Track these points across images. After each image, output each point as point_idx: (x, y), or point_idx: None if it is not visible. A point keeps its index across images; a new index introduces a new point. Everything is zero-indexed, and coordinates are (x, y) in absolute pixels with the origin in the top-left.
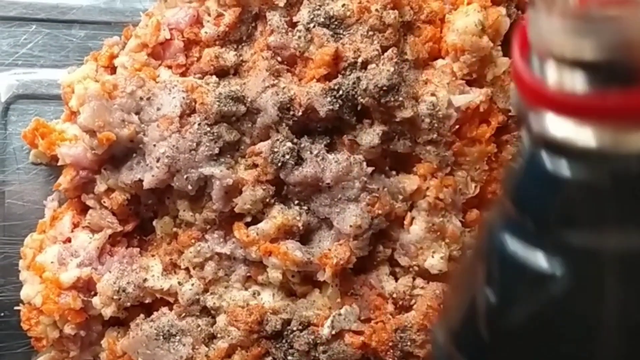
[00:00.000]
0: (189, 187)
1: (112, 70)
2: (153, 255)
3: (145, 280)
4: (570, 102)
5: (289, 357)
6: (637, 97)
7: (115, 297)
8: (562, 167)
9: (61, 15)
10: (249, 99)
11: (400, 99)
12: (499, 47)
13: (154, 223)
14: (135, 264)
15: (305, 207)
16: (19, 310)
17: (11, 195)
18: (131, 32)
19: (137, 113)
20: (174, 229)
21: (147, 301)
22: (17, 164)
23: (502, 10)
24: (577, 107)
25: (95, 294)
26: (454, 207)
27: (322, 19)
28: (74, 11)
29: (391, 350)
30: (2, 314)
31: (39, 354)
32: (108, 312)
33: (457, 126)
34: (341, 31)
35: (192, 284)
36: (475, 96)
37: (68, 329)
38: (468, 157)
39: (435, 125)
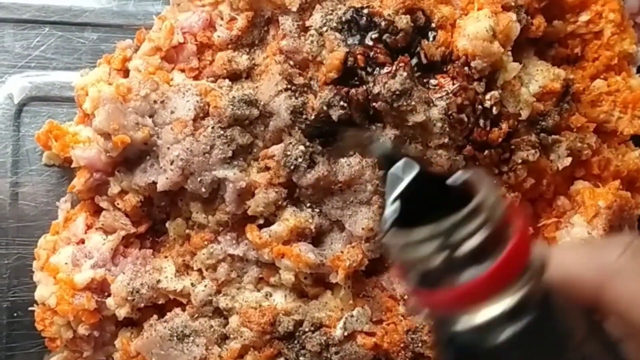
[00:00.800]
0: (203, 189)
1: (125, 73)
2: (166, 257)
3: (158, 281)
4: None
5: (301, 358)
6: (439, 295)
7: (129, 298)
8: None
9: (74, 18)
10: (262, 103)
11: (413, 103)
12: (509, 52)
13: (167, 225)
14: (149, 265)
15: (318, 210)
16: (32, 311)
17: (24, 196)
18: (144, 35)
19: (150, 116)
20: (187, 231)
21: (160, 302)
22: (30, 165)
23: (513, 15)
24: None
25: (109, 295)
26: None
27: (335, 24)
28: (87, 14)
29: (403, 352)
30: (16, 314)
31: (52, 354)
32: (122, 312)
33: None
34: (353, 35)
35: (205, 285)
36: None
37: (82, 330)
38: (479, 161)
39: (447, 129)
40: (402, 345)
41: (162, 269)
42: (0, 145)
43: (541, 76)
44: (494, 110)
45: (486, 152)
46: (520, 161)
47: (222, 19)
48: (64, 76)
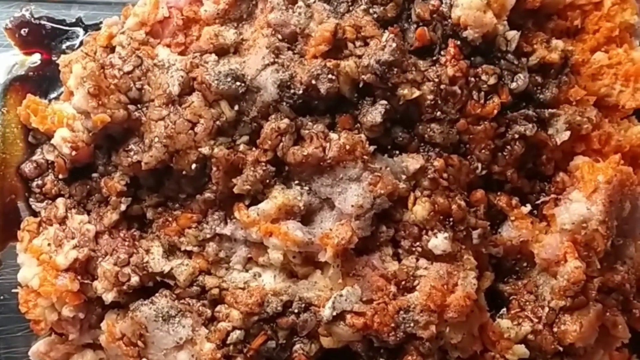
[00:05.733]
0: (188, 167)
1: (112, 50)
2: (153, 239)
3: (146, 263)
4: None
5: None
6: None
7: (116, 282)
8: None
9: None
10: (249, 77)
11: (403, 75)
12: (505, 22)
13: (143, 206)
14: (136, 248)
15: (307, 187)
16: (18, 293)
17: None
18: (130, 12)
19: (134, 93)
20: (175, 212)
21: (149, 285)
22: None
23: None
24: None
25: (93, 276)
26: (459, 186)
27: None
28: None
29: (393, 332)
30: (1, 297)
31: (38, 338)
32: (109, 297)
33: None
34: (342, 7)
35: (192, 266)
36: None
37: (66, 311)
38: (473, 135)
39: (439, 102)
40: (392, 325)
41: (149, 250)
42: None
43: (539, 47)
44: (490, 82)
45: (481, 125)
46: (517, 136)
47: None
48: None
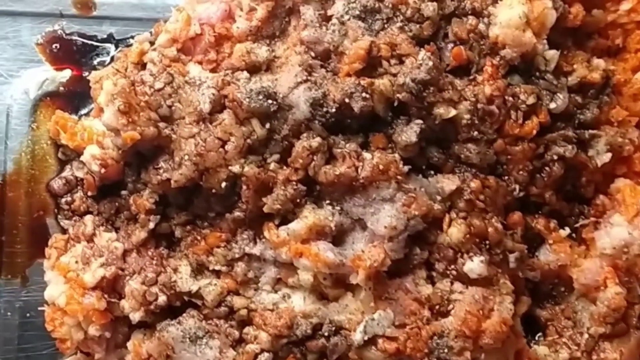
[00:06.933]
0: (218, 186)
1: (143, 67)
2: (181, 257)
3: (174, 282)
4: None
5: None
6: None
7: (143, 302)
8: None
9: (92, 11)
10: (281, 95)
11: (439, 94)
12: (545, 41)
13: (172, 224)
14: (164, 266)
15: (338, 207)
16: (44, 311)
17: None
18: (162, 28)
19: (165, 110)
20: (204, 231)
21: (176, 304)
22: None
23: (548, 2)
24: None
25: (120, 295)
26: (495, 208)
27: (358, 12)
28: (105, 7)
29: (427, 358)
30: (28, 315)
31: (64, 357)
32: (136, 317)
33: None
34: (377, 24)
35: (220, 286)
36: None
37: (93, 330)
38: (511, 156)
39: (476, 121)
40: (426, 351)
41: (177, 269)
42: (15, 141)
43: (580, 67)
44: (529, 102)
45: (519, 146)
46: (556, 157)
47: (241, 9)
48: None
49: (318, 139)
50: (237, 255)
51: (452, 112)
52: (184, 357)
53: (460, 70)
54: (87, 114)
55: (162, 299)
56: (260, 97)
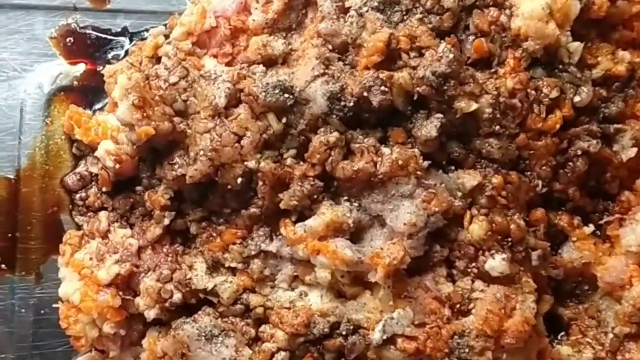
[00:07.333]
0: (234, 181)
1: (157, 61)
2: (196, 254)
3: (189, 280)
4: None
5: None
6: None
7: (158, 299)
8: None
9: (106, 4)
10: (298, 89)
11: (460, 88)
12: (568, 32)
13: (187, 221)
14: (179, 263)
15: (356, 204)
16: (58, 308)
17: None
18: (176, 21)
19: (180, 105)
20: (219, 228)
21: (191, 302)
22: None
23: None
24: None
25: (135, 292)
26: (518, 204)
27: (376, 3)
28: (119, 0)
29: (447, 358)
30: (42, 312)
31: (78, 354)
32: (151, 314)
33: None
34: (396, 16)
35: (236, 283)
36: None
37: (107, 328)
38: (534, 151)
39: (498, 115)
40: (446, 350)
41: (193, 266)
42: (29, 136)
43: (604, 59)
44: (552, 95)
45: (542, 141)
46: (579, 152)
47: (257, 1)
48: None
49: (335, 134)
50: (253, 252)
51: (474, 106)
52: (200, 355)
53: (482, 63)
54: (101, 109)
55: (177, 296)
56: (277, 91)
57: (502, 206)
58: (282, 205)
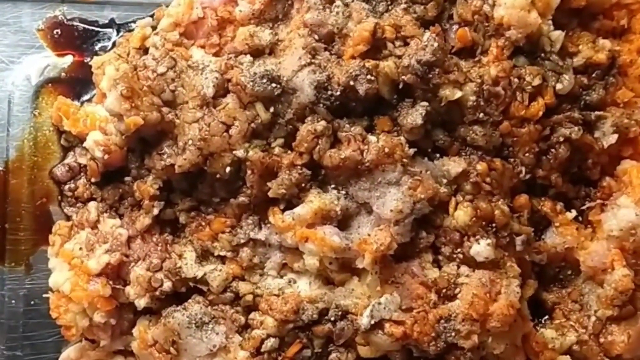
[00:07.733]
0: (222, 170)
1: (145, 52)
2: (186, 243)
3: (179, 268)
4: None
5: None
6: None
7: (149, 288)
8: None
9: None
10: (285, 79)
11: (444, 76)
12: (550, 21)
13: (176, 210)
14: (169, 252)
15: (344, 192)
16: (49, 298)
17: None
18: (164, 12)
19: (168, 95)
20: (208, 217)
21: (181, 290)
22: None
23: None
24: None
25: (125, 281)
26: (502, 191)
27: None
28: None
29: (434, 342)
30: (32, 302)
31: (69, 344)
32: (142, 303)
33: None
34: (381, 6)
35: (225, 271)
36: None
37: (98, 317)
38: (517, 138)
39: (482, 103)
40: (433, 334)
41: (182, 255)
42: (17, 128)
43: (585, 48)
44: (534, 83)
45: (525, 128)
46: (562, 139)
47: None
48: None
49: (323, 123)
50: (242, 241)
51: (458, 94)
52: (190, 342)
53: (465, 51)
54: (89, 100)
55: (167, 285)
56: (264, 80)
57: (486, 192)
58: (270, 194)
